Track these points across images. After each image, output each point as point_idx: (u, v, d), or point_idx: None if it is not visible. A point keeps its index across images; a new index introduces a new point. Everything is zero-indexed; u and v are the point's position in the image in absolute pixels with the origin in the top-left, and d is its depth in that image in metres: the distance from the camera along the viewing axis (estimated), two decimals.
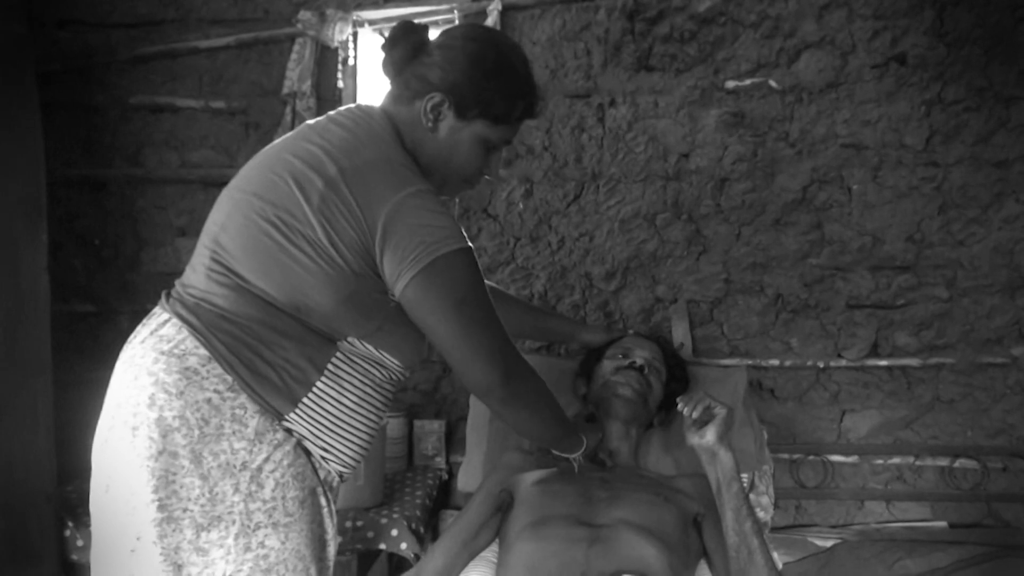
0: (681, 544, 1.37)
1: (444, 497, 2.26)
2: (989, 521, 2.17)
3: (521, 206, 2.27)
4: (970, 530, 2.12)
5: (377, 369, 1.21)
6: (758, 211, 2.21)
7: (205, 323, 1.10)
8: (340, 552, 1.71)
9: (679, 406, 1.44)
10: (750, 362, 2.22)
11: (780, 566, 1.70)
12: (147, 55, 2.29)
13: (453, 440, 2.31)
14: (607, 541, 1.28)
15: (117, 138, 2.33)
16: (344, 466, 1.19)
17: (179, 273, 1.21)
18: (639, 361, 1.72)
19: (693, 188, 2.22)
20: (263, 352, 1.10)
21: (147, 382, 1.06)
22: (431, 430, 2.25)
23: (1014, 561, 1.71)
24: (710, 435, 1.40)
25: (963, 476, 2.19)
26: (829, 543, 1.95)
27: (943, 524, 2.17)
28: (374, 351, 1.19)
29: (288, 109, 2.22)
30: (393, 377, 1.25)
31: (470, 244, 1.16)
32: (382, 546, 1.76)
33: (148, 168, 2.33)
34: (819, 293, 2.22)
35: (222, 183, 1.25)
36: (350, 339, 1.16)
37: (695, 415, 1.42)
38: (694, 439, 1.42)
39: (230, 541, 1.04)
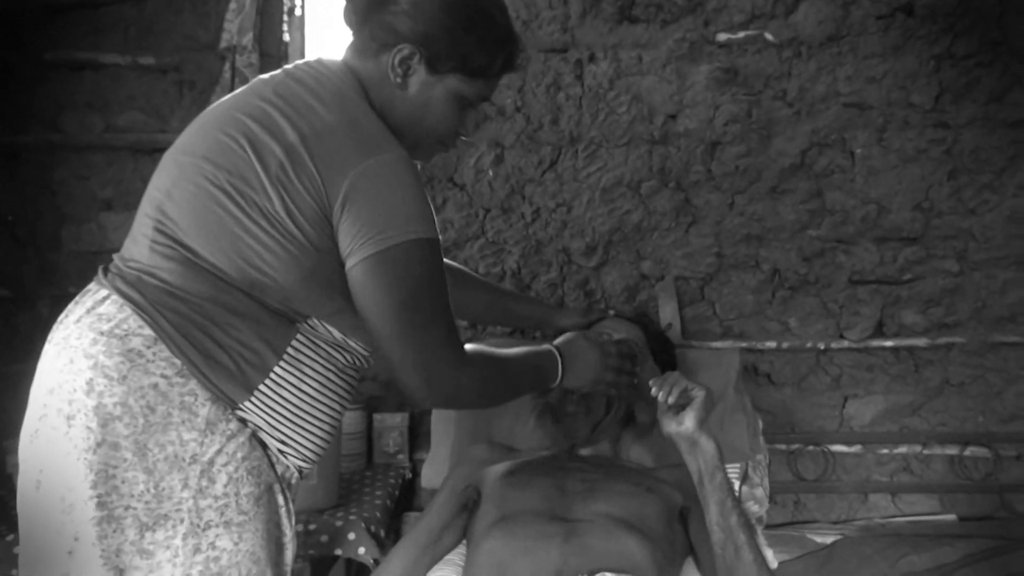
0: (666, 538, 1.40)
1: (408, 498, 2.30)
2: (1002, 513, 2.25)
3: (491, 174, 2.29)
4: (981, 523, 2.19)
5: (340, 353, 1.22)
6: (753, 178, 2.27)
7: (150, 300, 1.09)
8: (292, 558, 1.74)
9: (652, 390, 1.44)
10: (744, 344, 2.26)
11: (775, 565, 1.76)
12: (65, 4, 2.26)
13: (417, 435, 2.33)
14: (584, 536, 1.31)
15: (32, 100, 2.29)
16: (304, 460, 1.20)
17: (106, 252, 1.21)
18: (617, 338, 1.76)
19: (681, 153, 2.27)
20: (215, 333, 1.10)
21: (84, 366, 1.05)
22: (393, 424, 2.27)
23: None
24: (688, 421, 1.40)
25: (974, 465, 2.27)
26: (829, 540, 2.02)
27: (952, 517, 2.25)
28: (338, 333, 1.20)
29: (227, 66, 2.21)
30: (357, 363, 1.26)
31: (436, 233, 1.15)
32: (338, 552, 1.77)
33: (68, 134, 2.30)
34: (819, 268, 2.28)
35: (153, 150, 1.26)
36: (311, 320, 1.18)
37: (670, 400, 1.41)
38: (671, 426, 1.42)
39: (178, 542, 1.05)
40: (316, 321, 1.18)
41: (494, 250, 2.32)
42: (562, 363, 1.42)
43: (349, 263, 1.13)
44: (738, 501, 1.38)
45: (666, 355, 1.87)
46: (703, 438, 1.40)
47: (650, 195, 2.28)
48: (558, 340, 1.49)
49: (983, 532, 2.02)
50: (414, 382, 1.15)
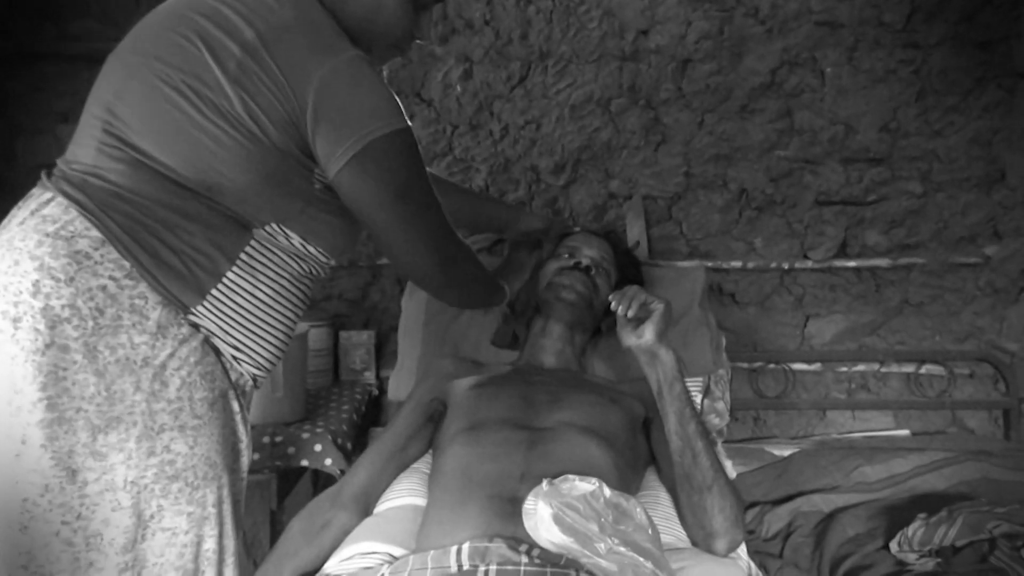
0: (628, 446, 1.41)
1: (374, 414, 2.31)
2: (953, 429, 2.32)
3: (459, 89, 2.25)
4: (932, 437, 2.26)
5: (296, 261, 1.21)
6: (723, 96, 2.23)
7: (97, 202, 1.06)
8: (258, 470, 1.75)
9: (612, 304, 1.45)
10: (710, 264, 2.27)
11: (733, 475, 1.79)
12: None
13: (384, 353, 2.34)
14: (548, 443, 1.31)
15: None
16: (258, 368, 1.19)
17: None
18: (585, 261, 1.74)
19: (652, 70, 2.22)
20: (165, 236, 1.08)
21: (30, 267, 1.03)
22: (359, 342, 2.28)
23: (975, 465, 1.83)
24: (648, 334, 1.40)
25: (929, 383, 2.31)
26: (787, 453, 2.06)
27: (906, 432, 2.30)
28: (297, 239, 1.19)
29: None
30: (314, 271, 1.26)
31: (408, 123, 1.15)
32: (304, 463, 1.80)
33: (19, 42, 2.21)
34: (786, 188, 2.28)
35: None
36: (268, 227, 1.16)
37: (630, 313, 1.42)
38: (631, 339, 1.42)
39: (131, 444, 1.04)
40: (275, 227, 1.16)
41: (462, 167, 2.29)
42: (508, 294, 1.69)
43: (334, 168, 1.12)
44: (696, 412, 1.37)
45: (633, 272, 1.86)
46: (662, 350, 1.40)
47: (620, 113, 2.24)
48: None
49: (934, 445, 2.05)
50: (429, 266, 1.27)
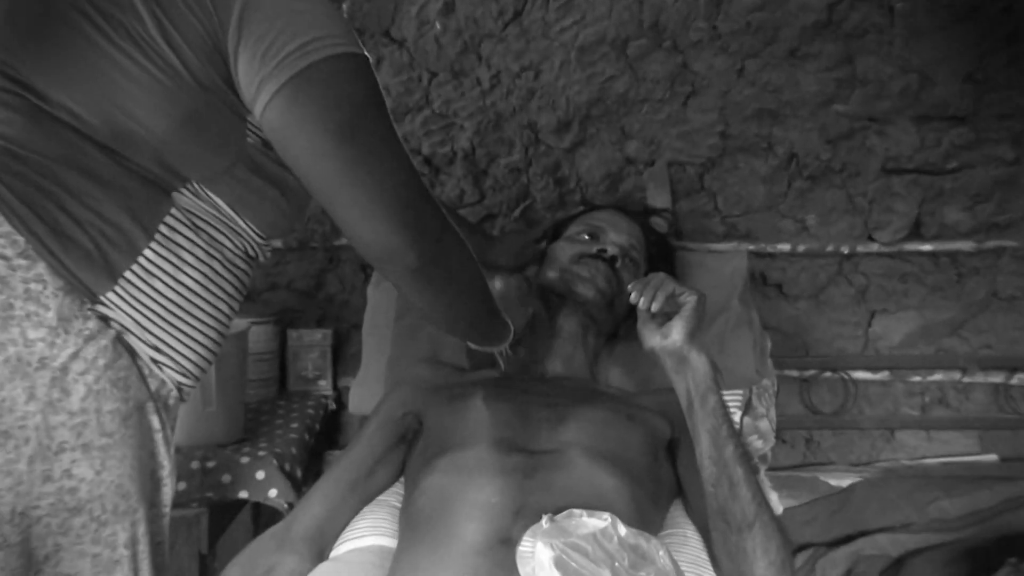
0: (649, 475, 1.40)
1: (330, 435, 2.32)
2: None
3: (439, 27, 2.23)
4: None
5: (228, 237, 1.20)
6: (768, 38, 2.22)
7: None
8: (184, 503, 1.74)
9: (632, 296, 1.45)
10: (752, 247, 2.27)
11: (779, 510, 1.79)
12: None
13: (343, 357, 2.34)
14: (551, 470, 1.31)
15: None
16: (184, 374, 1.17)
17: None
18: (612, 249, 1.74)
19: (679, 4, 2.20)
20: (69, 204, 1.06)
21: None
22: (312, 342, 2.27)
23: None
24: (676, 333, 1.40)
25: (1022, 397, 2.32)
26: (846, 483, 2.06)
27: (993, 458, 2.31)
28: (225, 207, 1.18)
29: None
30: (251, 250, 1.24)
31: (364, 52, 1.12)
32: (243, 494, 1.79)
33: None
34: (846, 153, 2.27)
35: None
36: (190, 186, 1.15)
37: (654, 307, 1.42)
38: (654, 340, 1.43)
39: (22, 466, 1.01)
40: (197, 187, 1.16)
41: (441, 125, 2.28)
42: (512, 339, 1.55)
43: (262, 99, 1.06)
44: (735, 431, 1.38)
45: (664, 264, 1.86)
46: (693, 353, 1.40)
47: (639, 58, 2.23)
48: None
49: None
50: (394, 238, 1.12)
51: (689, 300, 1.42)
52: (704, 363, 1.40)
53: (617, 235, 1.80)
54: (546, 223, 2.10)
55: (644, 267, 1.81)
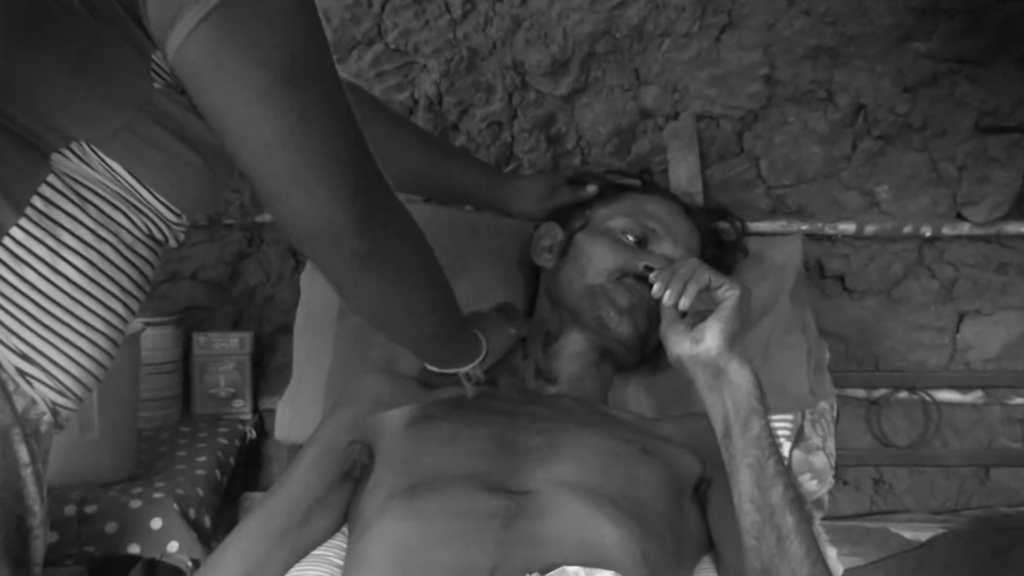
0: (667, 525, 1.39)
1: (251, 470, 2.32)
2: None
3: None
4: None
5: (126, 213, 1.20)
6: None
7: None
8: (56, 559, 1.71)
9: (654, 289, 1.46)
10: (806, 227, 2.27)
11: (839, 571, 1.80)
12: None
13: (267, 369, 2.36)
14: (538, 516, 1.30)
15: None
16: (61, 392, 1.17)
17: None
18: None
19: None
20: None
21: None
22: (226, 350, 2.27)
23: None
24: (711, 338, 1.40)
25: None
26: (926, 537, 2.07)
27: None
28: (124, 172, 1.17)
29: None
30: (158, 231, 1.24)
31: None
32: (134, 548, 1.77)
33: None
34: (929, 105, 2.28)
35: None
36: (76, 146, 1.14)
37: (684, 304, 1.43)
38: (683, 346, 1.43)
39: None
40: (87, 148, 1.15)
41: (398, 64, 2.29)
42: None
43: (178, 34, 1.05)
44: (786, 467, 1.37)
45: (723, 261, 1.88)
46: (733, 364, 1.40)
47: None
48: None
49: None
50: (335, 213, 1.13)
51: (730, 295, 1.42)
52: (747, 378, 1.39)
53: (674, 246, 1.78)
54: (587, 171, 2.09)
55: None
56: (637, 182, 1.96)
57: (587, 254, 1.77)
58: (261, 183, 1.14)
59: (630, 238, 1.77)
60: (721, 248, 1.94)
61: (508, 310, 1.74)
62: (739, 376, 1.39)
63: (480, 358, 1.56)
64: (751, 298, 1.46)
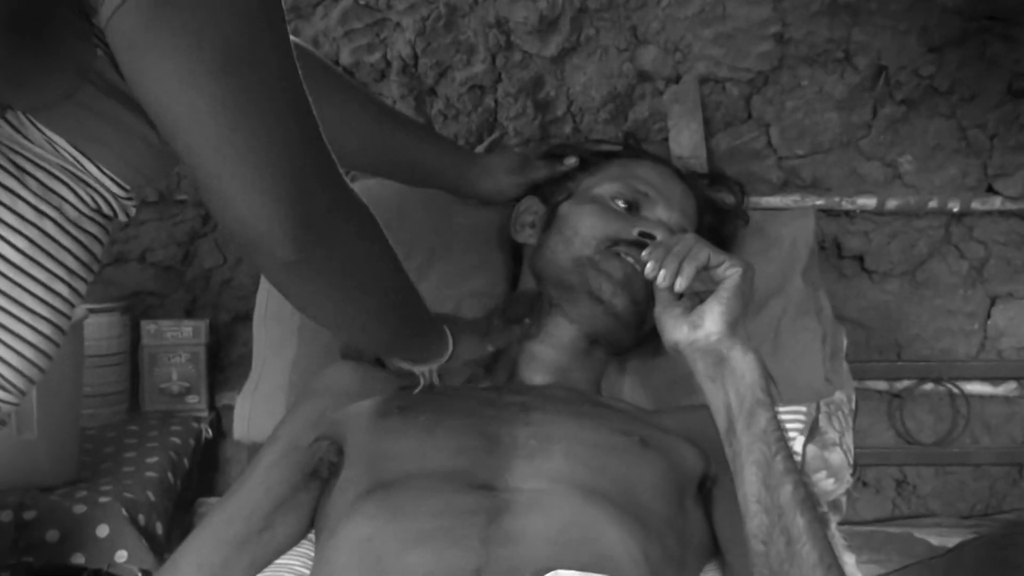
0: (669, 525, 1.39)
1: (207, 474, 2.32)
2: None
3: None
4: None
5: (71, 187, 1.19)
6: None
7: None
8: None
9: (647, 268, 1.44)
10: (821, 202, 2.27)
11: None
12: None
13: (224, 361, 2.37)
14: (527, 515, 1.30)
15: None
16: (2, 387, 1.17)
17: None
18: (661, 235, 1.68)
19: None
20: None
21: None
22: (178, 340, 2.27)
23: None
24: (711, 322, 1.40)
25: None
26: (953, 542, 2.06)
27: None
28: (66, 149, 1.17)
29: None
30: (105, 207, 1.23)
31: None
32: (79, 559, 1.78)
33: None
34: (957, 67, 2.26)
35: None
36: (12, 116, 1.14)
37: (680, 285, 1.41)
38: (679, 331, 1.43)
39: None
40: (23, 119, 1.15)
41: (369, 22, 2.26)
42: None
43: (109, 4, 1.04)
44: (795, 464, 1.38)
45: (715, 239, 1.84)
46: (736, 351, 1.39)
47: None
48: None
49: None
50: (273, 215, 1.11)
51: (731, 274, 1.41)
52: (752, 365, 1.39)
53: (668, 210, 1.77)
54: (563, 143, 2.12)
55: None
56: (620, 147, 2.00)
57: (573, 224, 1.76)
58: (193, 175, 1.14)
59: (620, 204, 1.77)
60: (719, 216, 1.95)
61: (507, 314, 1.72)
62: (743, 364, 1.39)
63: (440, 361, 1.56)
64: (754, 276, 1.46)
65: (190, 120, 1.08)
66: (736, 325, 1.40)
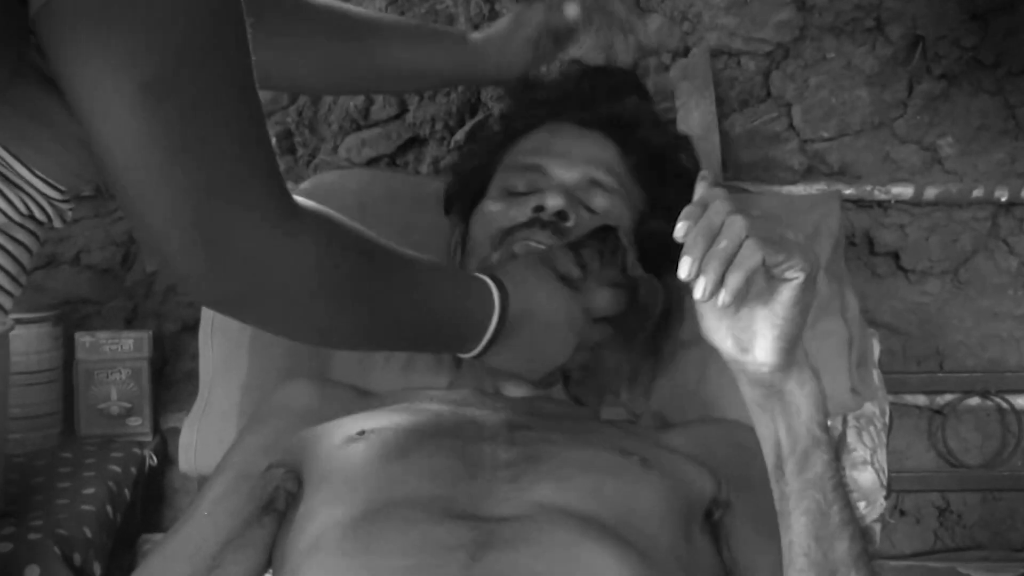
0: (674, 557, 1.37)
1: (151, 507, 2.33)
2: None
3: None
4: None
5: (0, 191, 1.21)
6: None
7: None
8: None
9: (681, 268, 1.21)
10: (850, 190, 2.27)
11: None
12: None
13: (169, 379, 2.38)
14: (513, 547, 1.29)
15: None
16: None
17: None
18: (553, 203, 1.65)
19: None
20: None
21: None
22: (118, 355, 2.28)
23: None
24: (762, 352, 1.26)
25: None
26: None
27: None
28: None
29: None
30: (38, 213, 1.27)
31: None
32: None
33: None
34: (1003, 37, 2.27)
35: None
36: None
37: (724, 299, 1.22)
38: (723, 341, 1.30)
39: None
40: None
41: None
42: (499, 312, 1.47)
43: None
44: (856, 514, 1.33)
45: (678, 192, 1.77)
46: (791, 383, 1.29)
47: None
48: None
49: None
50: (182, 248, 1.12)
51: (790, 279, 1.25)
52: (810, 399, 1.29)
53: (568, 168, 1.75)
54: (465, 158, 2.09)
55: (639, 203, 1.77)
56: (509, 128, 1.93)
57: (473, 233, 1.76)
58: (129, 197, 1.12)
59: (519, 187, 1.75)
60: (660, 163, 1.84)
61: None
62: (799, 398, 1.30)
63: (495, 319, 1.50)
64: (817, 277, 1.30)
65: (113, 133, 1.09)
66: (794, 351, 1.28)
